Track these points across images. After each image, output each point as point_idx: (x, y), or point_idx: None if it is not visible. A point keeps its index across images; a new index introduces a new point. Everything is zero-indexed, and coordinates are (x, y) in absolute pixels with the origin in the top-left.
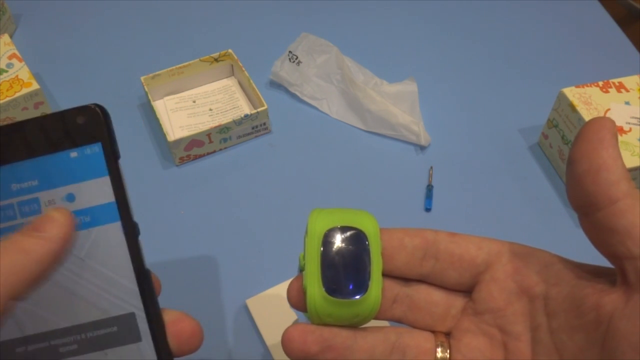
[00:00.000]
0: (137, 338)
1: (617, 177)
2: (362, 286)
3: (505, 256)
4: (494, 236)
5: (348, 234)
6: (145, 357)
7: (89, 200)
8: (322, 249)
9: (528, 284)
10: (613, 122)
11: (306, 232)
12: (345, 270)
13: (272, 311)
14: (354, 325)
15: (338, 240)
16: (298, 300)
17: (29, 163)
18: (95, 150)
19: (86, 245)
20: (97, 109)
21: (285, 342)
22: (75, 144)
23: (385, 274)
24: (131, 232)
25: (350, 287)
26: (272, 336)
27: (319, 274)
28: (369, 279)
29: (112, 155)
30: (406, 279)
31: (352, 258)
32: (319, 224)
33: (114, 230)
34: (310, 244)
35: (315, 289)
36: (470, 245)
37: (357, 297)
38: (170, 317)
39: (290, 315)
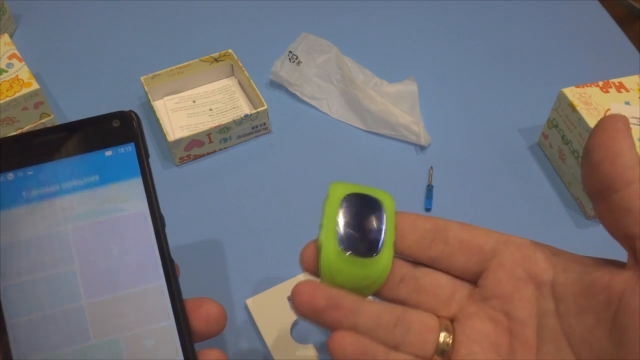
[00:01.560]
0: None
1: (633, 162)
2: (375, 247)
3: (514, 245)
4: None
5: (367, 199)
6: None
7: (122, 193)
8: (341, 209)
9: (536, 270)
10: (627, 118)
11: (326, 197)
12: (361, 231)
13: (272, 311)
14: (361, 290)
15: (357, 204)
16: (311, 261)
17: (69, 160)
18: (128, 149)
19: (117, 233)
20: (131, 113)
21: (295, 295)
22: (111, 143)
23: (396, 253)
24: (159, 222)
25: (365, 246)
26: (272, 336)
27: (335, 231)
28: (382, 241)
29: (143, 154)
30: (415, 262)
31: (369, 221)
32: (339, 190)
33: (144, 221)
34: (329, 205)
35: (330, 245)
36: (479, 233)
37: (370, 256)
38: (196, 303)
39: (290, 316)
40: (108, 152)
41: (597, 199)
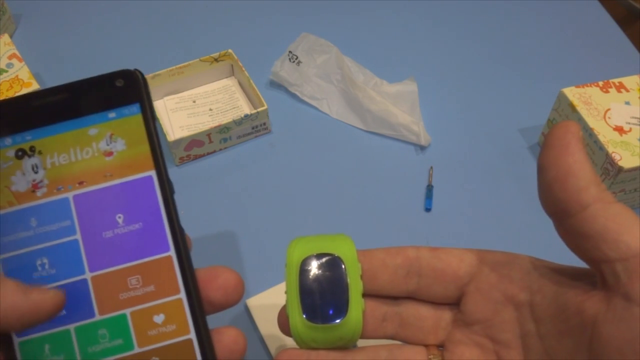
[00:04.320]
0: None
1: (585, 182)
2: (340, 310)
3: (488, 266)
4: (494, 236)
5: (324, 260)
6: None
7: (127, 157)
8: (300, 276)
9: (512, 292)
10: (578, 126)
11: (286, 261)
12: (323, 296)
13: (272, 311)
14: (341, 347)
15: (314, 268)
16: (286, 328)
17: (74, 121)
18: (133, 110)
19: (122, 200)
20: (137, 72)
21: None
22: (115, 104)
23: (371, 295)
24: (167, 187)
25: (330, 312)
26: (272, 336)
27: (298, 301)
28: (347, 302)
29: (149, 115)
30: (394, 297)
31: (329, 284)
32: (295, 254)
33: (151, 186)
34: (289, 273)
35: (296, 316)
36: (452, 258)
37: (337, 321)
38: (211, 272)
39: None
40: (111, 114)
41: (554, 221)
